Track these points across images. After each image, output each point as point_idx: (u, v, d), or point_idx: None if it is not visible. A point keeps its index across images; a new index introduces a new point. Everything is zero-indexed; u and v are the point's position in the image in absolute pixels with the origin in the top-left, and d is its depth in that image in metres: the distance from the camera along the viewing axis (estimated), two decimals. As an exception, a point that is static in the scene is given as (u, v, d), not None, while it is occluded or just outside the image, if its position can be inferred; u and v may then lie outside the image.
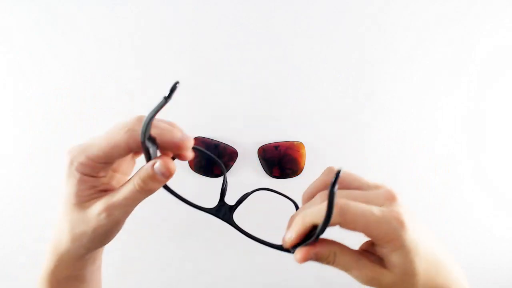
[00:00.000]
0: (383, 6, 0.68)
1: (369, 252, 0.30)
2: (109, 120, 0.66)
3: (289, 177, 0.66)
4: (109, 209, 0.29)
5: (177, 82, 0.24)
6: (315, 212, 0.27)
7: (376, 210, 0.27)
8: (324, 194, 0.29)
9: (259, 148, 0.65)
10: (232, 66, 0.68)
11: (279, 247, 0.30)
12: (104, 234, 0.30)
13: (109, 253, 0.70)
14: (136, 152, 0.33)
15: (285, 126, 0.69)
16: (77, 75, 0.67)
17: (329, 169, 0.31)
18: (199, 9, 0.67)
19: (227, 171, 0.49)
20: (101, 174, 0.30)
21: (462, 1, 0.68)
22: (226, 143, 0.62)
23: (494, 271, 0.75)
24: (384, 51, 0.69)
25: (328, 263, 0.29)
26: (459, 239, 0.74)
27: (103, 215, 0.29)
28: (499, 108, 0.71)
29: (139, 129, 0.28)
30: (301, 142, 0.67)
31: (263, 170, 0.65)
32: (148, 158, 0.28)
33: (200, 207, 0.32)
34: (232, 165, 0.60)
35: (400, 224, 0.26)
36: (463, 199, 0.73)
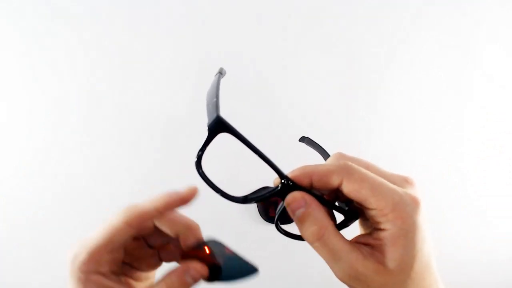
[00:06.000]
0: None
1: (361, 243, 0.24)
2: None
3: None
4: None
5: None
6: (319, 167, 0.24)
7: (387, 182, 0.23)
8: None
9: None
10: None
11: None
12: None
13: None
14: (139, 234, 0.28)
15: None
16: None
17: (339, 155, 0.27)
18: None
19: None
20: (108, 268, 0.26)
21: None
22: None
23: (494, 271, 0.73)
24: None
25: (313, 239, 0.24)
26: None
27: None
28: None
29: (135, 207, 0.26)
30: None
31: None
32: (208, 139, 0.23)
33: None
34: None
35: (415, 203, 0.22)
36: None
